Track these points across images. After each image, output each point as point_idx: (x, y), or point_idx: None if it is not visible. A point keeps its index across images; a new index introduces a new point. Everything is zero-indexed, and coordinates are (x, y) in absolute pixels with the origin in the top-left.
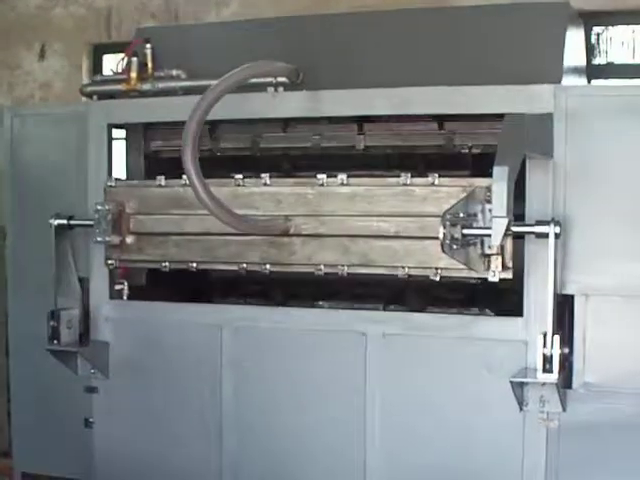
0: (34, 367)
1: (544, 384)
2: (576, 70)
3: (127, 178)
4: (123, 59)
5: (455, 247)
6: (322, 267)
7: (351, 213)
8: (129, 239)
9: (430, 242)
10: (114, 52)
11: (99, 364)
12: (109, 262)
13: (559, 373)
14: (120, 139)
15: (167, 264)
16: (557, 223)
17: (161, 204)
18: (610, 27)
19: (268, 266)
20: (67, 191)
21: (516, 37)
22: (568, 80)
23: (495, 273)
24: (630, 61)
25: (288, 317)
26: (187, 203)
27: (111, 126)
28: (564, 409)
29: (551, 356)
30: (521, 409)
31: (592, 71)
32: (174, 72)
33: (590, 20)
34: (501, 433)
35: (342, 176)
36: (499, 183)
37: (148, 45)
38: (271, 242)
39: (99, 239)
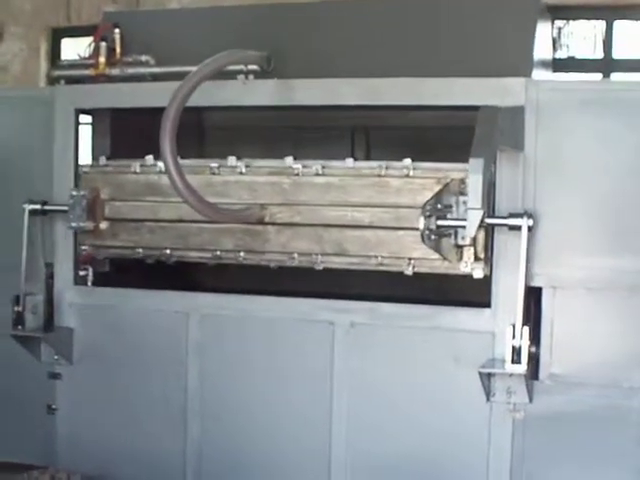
0: None
1: (512, 375)
2: (544, 63)
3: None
4: (91, 44)
5: (432, 238)
6: (296, 256)
7: (325, 203)
8: (103, 225)
9: (404, 232)
10: (73, 36)
11: (63, 350)
12: (82, 248)
13: (527, 364)
14: (86, 124)
15: (141, 251)
16: (530, 216)
17: (136, 191)
18: (572, 21)
19: (242, 254)
20: (33, 175)
21: (487, 29)
22: (536, 73)
23: (467, 264)
24: (591, 56)
25: (255, 305)
26: (162, 190)
27: (78, 111)
28: (531, 400)
29: (520, 347)
30: (488, 400)
31: (553, 65)
32: (143, 58)
33: (552, 14)
34: (467, 423)
35: (317, 166)
36: (475, 175)
37: (117, 30)
38: (245, 230)
39: (73, 225)
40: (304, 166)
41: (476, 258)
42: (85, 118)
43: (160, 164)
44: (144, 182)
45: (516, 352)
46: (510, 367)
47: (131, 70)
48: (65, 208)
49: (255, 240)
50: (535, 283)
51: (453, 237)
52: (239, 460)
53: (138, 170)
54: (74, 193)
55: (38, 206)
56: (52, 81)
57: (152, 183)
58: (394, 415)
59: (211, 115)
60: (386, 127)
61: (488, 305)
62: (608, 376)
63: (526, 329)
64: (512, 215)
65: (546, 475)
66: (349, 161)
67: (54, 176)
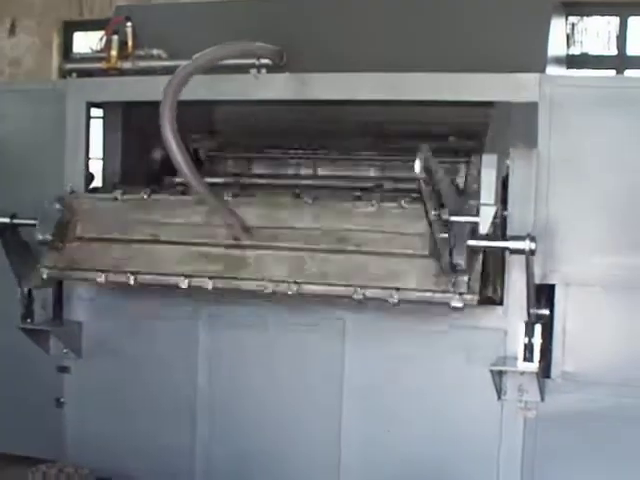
0: (5, 345)
1: (523, 373)
2: (558, 60)
3: (104, 157)
4: (102, 37)
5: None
6: (269, 284)
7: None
8: (71, 244)
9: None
10: (85, 30)
11: (72, 344)
12: (43, 270)
13: (539, 362)
14: (97, 118)
15: (103, 277)
16: (532, 239)
17: (112, 217)
18: (585, 17)
19: (211, 284)
20: (44, 168)
21: (502, 25)
22: (550, 70)
23: (460, 297)
24: (604, 52)
25: (264, 303)
26: (144, 215)
27: (90, 105)
28: (542, 399)
29: (532, 345)
30: (499, 398)
31: (567, 61)
32: (155, 51)
33: (566, 10)
34: (479, 421)
35: (308, 200)
36: (488, 171)
37: (129, 23)
38: (221, 255)
39: (40, 237)
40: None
41: (469, 288)
42: (97, 112)
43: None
44: (120, 208)
45: (528, 350)
46: (522, 365)
47: (143, 63)
48: (34, 222)
49: (231, 265)
50: (548, 281)
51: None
52: (248, 455)
53: (119, 197)
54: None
55: (7, 219)
56: (64, 74)
57: (130, 208)
58: (405, 412)
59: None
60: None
61: (500, 303)
62: (621, 375)
63: (538, 327)
64: (514, 238)
65: (558, 474)
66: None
67: (65, 169)
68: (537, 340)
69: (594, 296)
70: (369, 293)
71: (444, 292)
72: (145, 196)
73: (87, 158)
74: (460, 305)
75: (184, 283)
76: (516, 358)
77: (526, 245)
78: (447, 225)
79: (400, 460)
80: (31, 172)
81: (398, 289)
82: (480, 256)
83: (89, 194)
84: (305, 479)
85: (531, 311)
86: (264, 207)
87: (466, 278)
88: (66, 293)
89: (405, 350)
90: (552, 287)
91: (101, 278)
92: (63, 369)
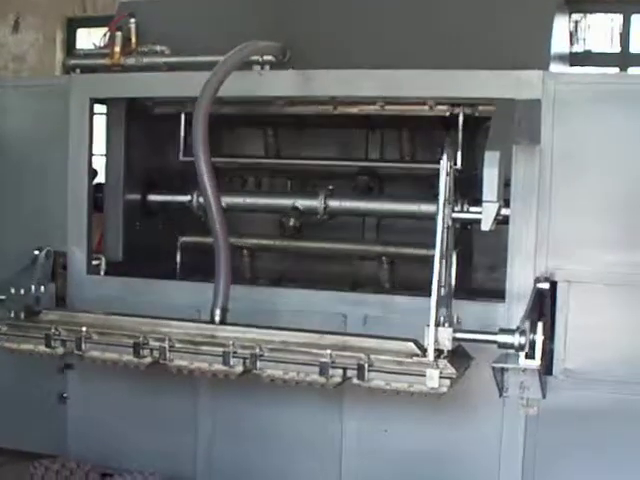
0: None
1: (525, 370)
2: (561, 57)
3: (107, 154)
4: (106, 34)
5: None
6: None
7: None
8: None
9: None
10: (88, 26)
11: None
12: None
13: (541, 359)
14: (101, 114)
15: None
16: (522, 332)
17: None
18: (589, 15)
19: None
20: (48, 165)
21: (505, 23)
22: (554, 67)
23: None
24: (608, 49)
25: (267, 297)
26: None
27: (93, 101)
28: (544, 396)
29: (534, 342)
30: (501, 395)
31: (570, 58)
32: (158, 47)
33: (569, 7)
34: (480, 418)
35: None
36: (490, 168)
37: (132, 20)
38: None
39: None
40: None
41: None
42: (100, 108)
43: None
44: None
45: (530, 347)
46: (524, 362)
47: (146, 60)
48: None
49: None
50: (550, 278)
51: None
52: (250, 450)
53: None
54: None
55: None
56: (67, 70)
57: None
58: (404, 409)
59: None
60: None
61: (502, 299)
62: (622, 372)
63: (540, 324)
64: (503, 331)
65: (559, 471)
66: None
67: (69, 165)
68: (539, 337)
69: (596, 293)
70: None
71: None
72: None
73: (90, 154)
74: (435, 385)
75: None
76: (518, 355)
77: (515, 340)
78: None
79: (400, 457)
80: (34, 168)
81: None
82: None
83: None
84: (307, 467)
85: (532, 308)
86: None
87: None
88: (69, 289)
89: None
90: (554, 284)
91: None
92: (67, 365)
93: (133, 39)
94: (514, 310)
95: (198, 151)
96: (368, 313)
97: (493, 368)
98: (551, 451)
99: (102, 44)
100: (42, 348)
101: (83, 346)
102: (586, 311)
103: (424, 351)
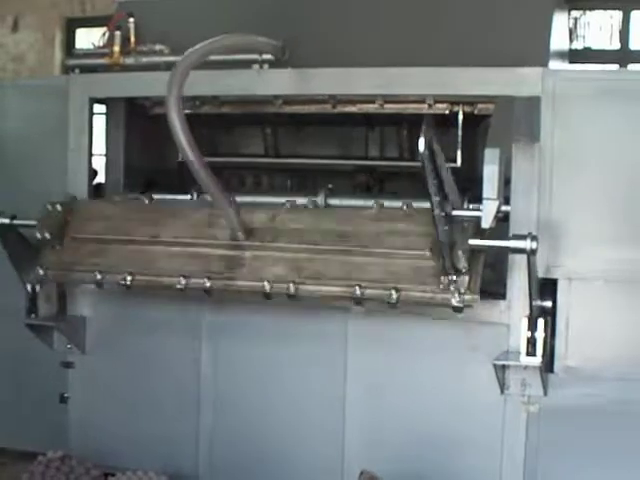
0: (9, 341)
1: (526, 367)
2: (560, 54)
3: (107, 153)
4: (105, 33)
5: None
6: (267, 284)
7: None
8: (70, 243)
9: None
10: (87, 26)
11: (76, 339)
12: (40, 269)
13: (542, 357)
14: (100, 114)
15: (100, 277)
16: (534, 238)
17: (110, 217)
18: (588, 12)
19: (209, 284)
20: (47, 165)
21: (504, 19)
22: (553, 64)
23: (461, 297)
24: (607, 46)
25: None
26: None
27: (93, 100)
28: (545, 393)
29: (535, 339)
30: (502, 392)
31: (570, 55)
32: (157, 47)
33: (569, 4)
34: (482, 415)
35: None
36: (490, 165)
37: (131, 19)
38: (220, 256)
39: (39, 236)
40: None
41: (470, 288)
42: (100, 108)
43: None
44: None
45: (531, 344)
46: (525, 359)
47: (145, 59)
48: (34, 222)
49: (227, 266)
50: (551, 275)
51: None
52: (252, 448)
53: (118, 200)
54: (49, 207)
55: (7, 220)
56: (67, 70)
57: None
58: (406, 406)
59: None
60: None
61: (503, 297)
62: (624, 369)
63: (541, 321)
64: (515, 237)
65: (560, 468)
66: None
67: (68, 165)
68: (540, 334)
69: (597, 290)
70: (368, 293)
71: (444, 292)
72: (146, 201)
73: (90, 154)
74: (460, 305)
75: (181, 284)
76: (519, 352)
77: (527, 244)
78: (449, 219)
79: (402, 452)
80: (34, 168)
81: (398, 289)
82: (482, 256)
83: (89, 200)
84: (309, 466)
85: (534, 305)
86: (264, 210)
87: (467, 278)
88: (70, 288)
89: (407, 345)
90: (555, 281)
91: (98, 278)
92: (67, 364)
93: (132, 38)
94: (515, 307)
95: (174, 124)
96: (369, 308)
97: (495, 365)
98: (553, 448)
99: (101, 44)
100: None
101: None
102: (587, 308)
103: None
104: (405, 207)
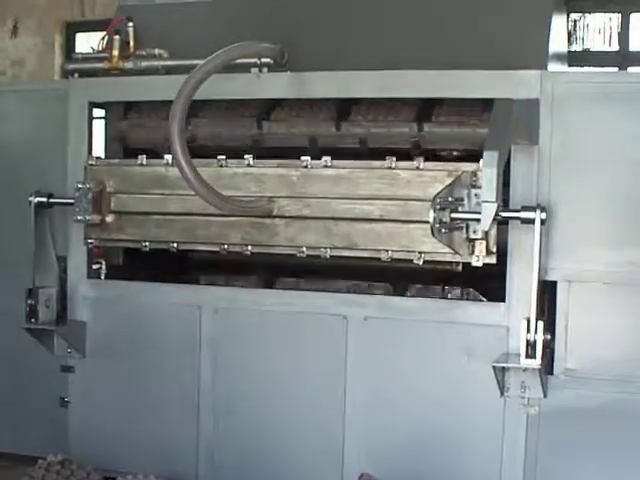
0: (9, 345)
1: (526, 370)
2: (559, 57)
3: (106, 157)
4: (104, 37)
5: (443, 231)
6: (304, 249)
7: (335, 196)
8: (109, 218)
9: (414, 226)
10: (87, 30)
11: (76, 343)
12: (89, 241)
13: (541, 359)
14: (99, 118)
15: (147, 244)
16: (543, 209)
17: (142, 183)
18: (587, 14)
19: (250, 247)
20: (46, 169)
21: (503, 22)
22: (552, 67)
23: (479, 258)
24: (606, 49)
25: (267, 299)
26: (169, 182)
27: (92, 104)
28: (545, 395)
29: (534, 342)
30: (502, 394)
31: (569, 58)
32: (156, 51)
33: (567, 7)
34: (481, 418)
35: (326, 158)
36: (489, 168)
37: (130, 23)
38: (253, 223)
39: (79, 218)
40: (313, 158)
41: (488, 252)
42: (99, 112)
43: (167, 157)
44: (150, 175)
45: (530, 346)
46: (524, 361)
47: (145, 63)
48: (71, 201)
49: (263, 233)
50: (550, 277)
51: (465, 230)
52: (252, 453)
53: (144, 162)
54: (80, 186)
55: (44, 199)
56: (66, 74)
57: (159, 175)
58: (406, 410)
59: None
60: None
61: (503, 299)
62: (623, 371)
63: (540, 323)
64: (525, 208)
65: (560, 471)
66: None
67: (68, 170)
68: (539, 337)
69: (596, 292)
70: (396, 255)
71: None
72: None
73: (90, 157)
74: (480, 264)
75: (223, 250)
76: (519, 355)
77: (537, 215)
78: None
79: (403, 456)
80: (34, 172)
81: (421, 252)
82: (495, 223)
83: (112, 160)
84: (309, 470)
85: (534, 307)
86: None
87: (484, 243)
88: (70, 292)
89: (407, 347)
90: (554, 283)
91: (146, 247)
92: (67, 368)
93: (131, 42)
94: (514, 310)
95: (177, 153)
96: (368, 314)
97: (494, 367)
98: (552, 450)
99: (100, 48)
100: None
101: None
102: (586, 310)
103: None
104: (421, 165)
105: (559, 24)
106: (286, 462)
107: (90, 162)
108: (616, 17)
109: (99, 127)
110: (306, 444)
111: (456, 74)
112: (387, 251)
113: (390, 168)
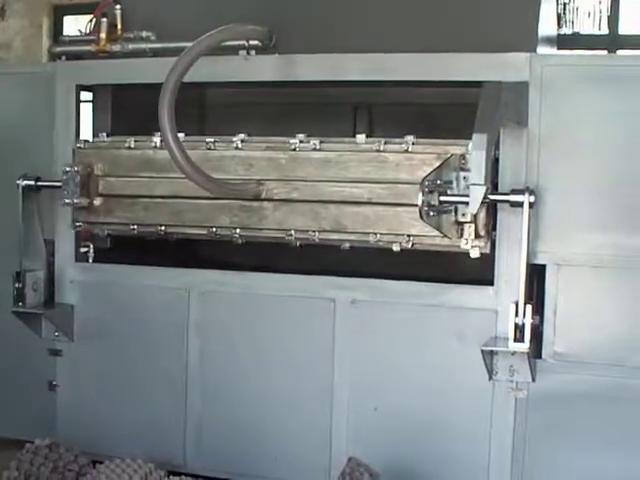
0: None
1: (514, 353)
2: (548, 40)
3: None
4: (92, 20)
5: (431, 214)
6: (293, 232)
7: (323, 178)
8: (97, 201)
9: (403, 209)
10: (75, 13)
11: (64, 327)
12: (76, 224)
13: (530, 343)
14: (87, 102)
15: (135, 227)
16: (532, 192)
17: (130, 166)
18: None
19: (238, 230)
20: (34, 152)
21: (492, 5)
22: (541, 50)
23: (468, 241)
24: (596, 32)
25: (255, 282)
26: (157, 165)
27: (79, 87)
28: (533, 379)
29: (523, 325)
30: (490, 378)
31: (558, 41)
32: (144, 33)
33: None
34: (470, 401)
35: (315, 141)
36: (477, 151)
37: (118, 6)
38: (242, 206)
39: (67, 201)
40: (301, 141)
41: (477, 235)
42: (86, 95)
43: (155, 139)
44: (138, 157)
45: (519, 330)
46: (513, 345)
47: (132, 46)
48: (59, 184)
49: (251, 216)
50: (539, 260)
51: (453, 213)
52: (240, 436)
53: (132, 145)
54: (67, 169)
55: (32, 182)
56: (53, 57)
57: (147, 158)
58: (395, 392)
59: (211, 92)
60: (389, 104)
61: (491, 283)
62: (612, 355)
63: (529, 307)
64: (514, 191)
65: (549, 454)
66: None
67: (55, 153)
68: (528, 320)
69: (585, 276)
70: (385, 239)
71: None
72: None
73: (78, 140)
74: (470, 250)
75: (211, 233)
76: (507, 338)
77: (525, 198)
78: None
79: (390, 438)
80: (21, 155)
81: (409, 236)
82: (484, 206)
83: (100, 143)
84: (297, 454)
85: (521, 291)
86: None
87: (473, 226)
88: (57, 276)
89: (395, 330)
90: (543, 267)
91: (134, 231)
92: (55, 352)
93: (118, 25)
94: (503, 293)
95: (166, 135)
96: (356, 297)
97: (482, 351)
98: (541, 434)
99: (88, 31)
100: None
101: None
102: (575, 294)
103: None
104: (409, 148)
105: (548, 7)
106: (274, 446)
107: (78, 145)
108: (605, 0)
109: (87, 110)
110: (294, 427)
111: (446, 57)
112: (375, 234)
113: (379, 151)
